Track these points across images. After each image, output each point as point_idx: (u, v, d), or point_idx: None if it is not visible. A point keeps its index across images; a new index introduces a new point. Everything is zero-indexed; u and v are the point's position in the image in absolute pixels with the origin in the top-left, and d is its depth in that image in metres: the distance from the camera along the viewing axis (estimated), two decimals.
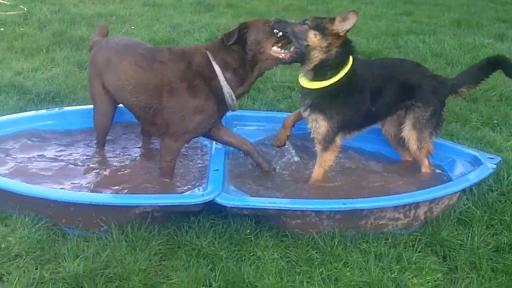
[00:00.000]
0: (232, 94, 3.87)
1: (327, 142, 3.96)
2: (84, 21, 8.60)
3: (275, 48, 3.84)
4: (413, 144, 4.13)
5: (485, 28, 9.03)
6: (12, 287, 3.00)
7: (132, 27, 8.44)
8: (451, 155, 4.29)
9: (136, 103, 3.97)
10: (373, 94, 4.02)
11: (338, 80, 3.85)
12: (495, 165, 3.95)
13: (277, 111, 5.36)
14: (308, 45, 3.79)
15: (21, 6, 9.31)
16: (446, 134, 4.87)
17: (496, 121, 5.33)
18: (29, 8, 9.21)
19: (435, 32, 8.53)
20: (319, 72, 3.86)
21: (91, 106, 4.42)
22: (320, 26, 3.78)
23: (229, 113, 4.26)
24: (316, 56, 3.82)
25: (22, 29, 8.12)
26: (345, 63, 3.87)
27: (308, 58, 3.84)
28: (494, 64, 4.27)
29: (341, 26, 3.74)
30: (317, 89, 3.89)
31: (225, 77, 3.83)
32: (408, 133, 4.13)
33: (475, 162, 4.09)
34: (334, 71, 3.85)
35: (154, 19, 9.04)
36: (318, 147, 4.01)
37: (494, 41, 8.06)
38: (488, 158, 4.05)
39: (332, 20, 3.78)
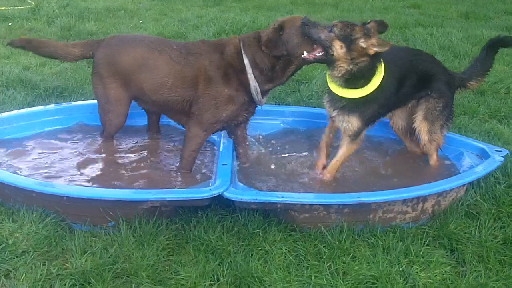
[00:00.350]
0: (258, 88, 3.91)
1: (356, 136, 3.95)
2: (93, 15, 8.63)
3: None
4: (424, 136, 4.10)
5: (493, 21, 8.99)
6: (19, 283, 3.01)
7: (141, 21, 8.46)
8: (459, 147, 4.28)
9: (175, 97, 3.99)
10: (398, 84, 3.99)
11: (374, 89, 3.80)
12: (502, 158, 3.93)
13: (285, 104, 5.35)
14: (332, 55, 3.70)
15: (29, 1, 9.35)
16: (453, 126, 4.84)
17: (503, 114, 5.31)
18: (37, 3, 9.25)
19: (443, 24, 8.50)
20: (349, 81, 3.77)
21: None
22: (348, 38, 3.64)
23: None
24: (342, 66, 3.72)
25: (30, 23, 8.15)
26: (376, 71, 3.77)
27: (333, 66, 3.76)
28: (494, 47, 4.30)
29: (373, 48, 3.63)
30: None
31: (253, 73, 3.87)
32: (420, 124, 4.11)
33: (483, 155, 4.08)
34: (366, 80, 3.76)
35: (162, 14, 9.06)
36: (346, 140, 3.99)
37: (502, 33, 7.97)
38: (496, 150, 4.03)
39: (366, 34, 3.63)
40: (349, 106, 3.86)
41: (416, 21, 8.60)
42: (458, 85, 4.25)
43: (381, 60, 3.78)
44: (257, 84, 3.89)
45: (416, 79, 4.06)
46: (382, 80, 3.78)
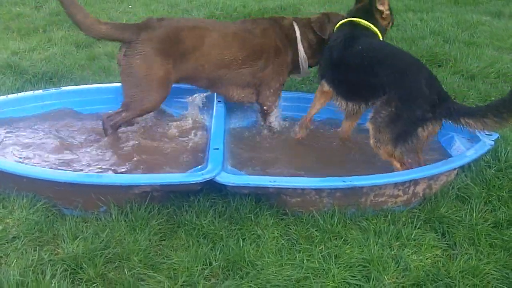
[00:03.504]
0: (306, 59, 4.56)
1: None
2: (82, 0, 8.48)
3: None
4: (371, 138, 3.84)
5: (482, 6, 8.96)
6: (10, 269, 2.99)
7: (130, 6, 8.37)
8: (450, 131, 4.28)
9: (243, 70, 4.36)
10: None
11: None
12: (493, 142, 3.94)
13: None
14: None
15: None
16: None
17: (494, 98, 5.29)
18: None
19: (433, 9, 8.46)
20: None
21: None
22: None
23: None
24: None
25: (18, 9, 8.04)
26: None
27: None
28: None
29: None
30: None
31: (302, 45, 4.53)
32: (368, 124, 3.87)
33: (473, 139, 4.08)
34: None
35: None
36: None
37: (491, 18, 8.01)
38: (486, 134, 4.03)
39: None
40: None
41: (406, 6, 8.55)
42: (442, 115, 3.70)
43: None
44: (305, 55, 4.53)
45: (365, 71, 3.88)
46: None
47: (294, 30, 4.51)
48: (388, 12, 4.26)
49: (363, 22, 4.15)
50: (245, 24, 4.46)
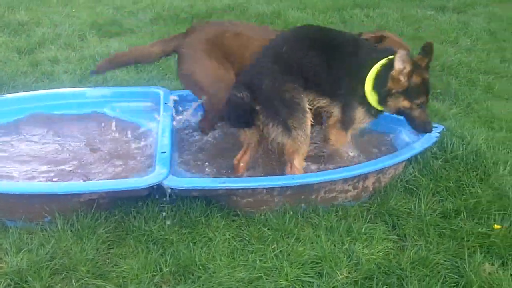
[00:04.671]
0: None
1: None
2: (23, 5, 8.24)
3: None
4: None
5: (427, 1, 9.15)
6: None
7: (73, 10, 8.20)
8: (396, 126, 4.32)
9: None
10: None
11: None
12: (438, 134, 4.00)
13: None
14: None
15: None
16: None
17: (439, 91, 5.41)
18: None
19: (380, 5, 8.59)
20: None
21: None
22: None
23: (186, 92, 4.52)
24: None
25: None
26: None
27: None
28: None
29: None
30: None
31: None
32: None
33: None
34: None
35: (97, 1, 8.78)
36: None
37: (436, 12, 8.19)
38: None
39: None
40: None
41: (354, 3, 8.64)
42: None
43: None
44: None
45: None
46: None
47: None
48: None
49: None
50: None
